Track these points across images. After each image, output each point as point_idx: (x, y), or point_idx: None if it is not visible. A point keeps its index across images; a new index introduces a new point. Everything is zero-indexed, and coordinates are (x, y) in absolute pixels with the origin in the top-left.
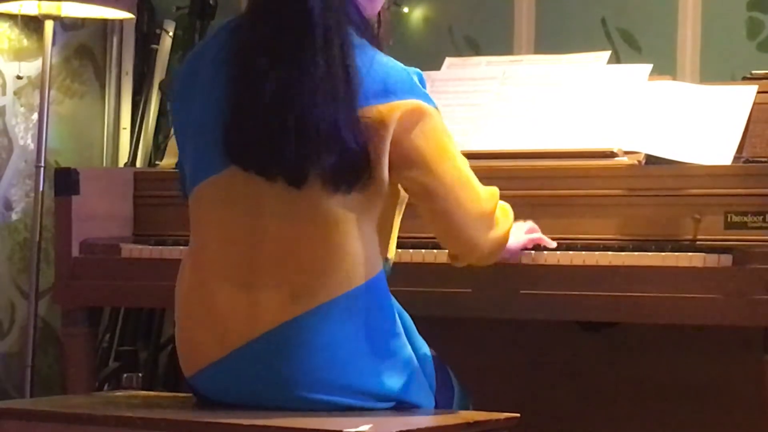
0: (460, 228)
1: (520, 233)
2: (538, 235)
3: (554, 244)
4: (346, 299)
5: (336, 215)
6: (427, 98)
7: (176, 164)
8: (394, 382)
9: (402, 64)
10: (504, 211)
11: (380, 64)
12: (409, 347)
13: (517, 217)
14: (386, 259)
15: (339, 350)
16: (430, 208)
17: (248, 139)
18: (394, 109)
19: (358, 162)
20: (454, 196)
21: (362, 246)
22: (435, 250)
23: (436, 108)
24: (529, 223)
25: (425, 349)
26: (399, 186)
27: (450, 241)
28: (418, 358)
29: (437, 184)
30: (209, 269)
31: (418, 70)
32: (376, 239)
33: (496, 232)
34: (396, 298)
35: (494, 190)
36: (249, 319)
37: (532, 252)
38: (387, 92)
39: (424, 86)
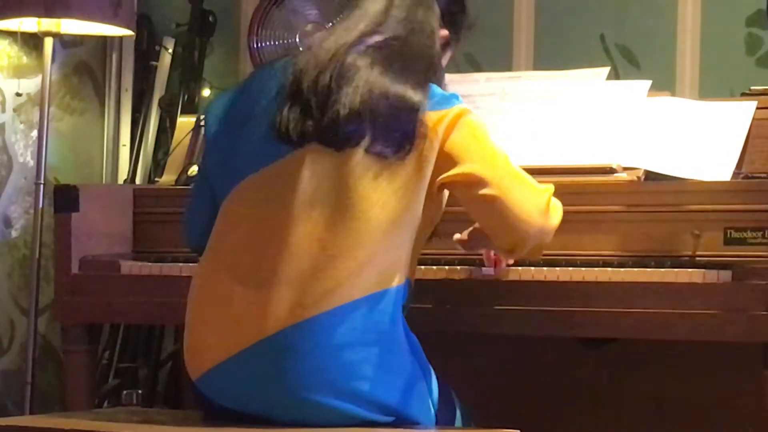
0: (517, 220)
1: None
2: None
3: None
4: (361, 304)
5: (372, 213)
6: (472, 112)
7: (196, 185)
8: (397, 394)
9: None
10: (555, 206)
11: (433, 86)
12: (414, 363)
13: None
14: (408, 280)
15: (348, 355)
16: (484, 199)
17: (305, 107)
18: (445, 115)
19: (402, 139)
20: (510, 191)
21: (387, 254)
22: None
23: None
24: None
25: (428, 367)
26: (433, 210)
27: (505, 234)
28: (422, 375)
29: (492, 176)
30: (227, 269)
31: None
32: (403, 253)
33: (552, 221)
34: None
35: (549, 186)
36: (261, 319)
37: (531, 268)
38: (440, 102)
39: None
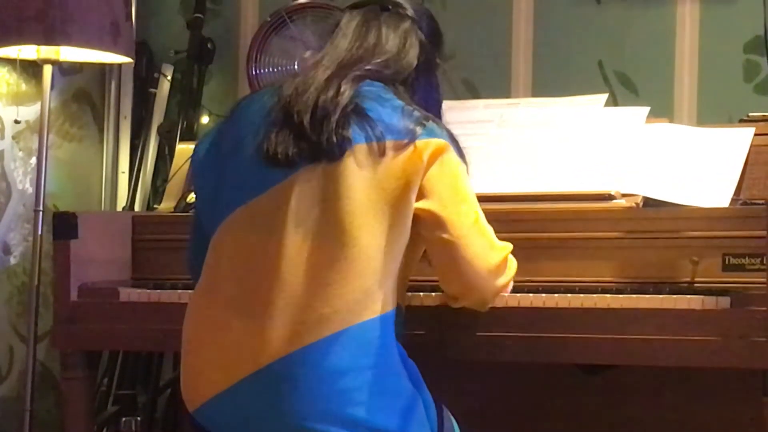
0: (464, 270)
1: None
2: None
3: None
4: (357, 330)
5: (360, 238)
6: (458, 150)
7: (192, 222)
8: (396, 419)
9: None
10: (511, 262)
11: (421, 112)
12: (412, 388)
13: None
14: (399, 306)
15: (345, 382)
16: (439, 242)
17: (293, 131)
18: (428, 143)
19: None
20: (465, 239)
21: (379, 279)
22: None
23: (464, 162)
24: None
25: (427, 393)
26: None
27: (452, 281)
28: (420, 401)
29: (452, 220)
30: (221, 301)
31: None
32: (393, 278)
33: (499, 281)
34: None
35: (507, 245)
36: (257, 349)
37: (530, 295)
38: (430, 132)
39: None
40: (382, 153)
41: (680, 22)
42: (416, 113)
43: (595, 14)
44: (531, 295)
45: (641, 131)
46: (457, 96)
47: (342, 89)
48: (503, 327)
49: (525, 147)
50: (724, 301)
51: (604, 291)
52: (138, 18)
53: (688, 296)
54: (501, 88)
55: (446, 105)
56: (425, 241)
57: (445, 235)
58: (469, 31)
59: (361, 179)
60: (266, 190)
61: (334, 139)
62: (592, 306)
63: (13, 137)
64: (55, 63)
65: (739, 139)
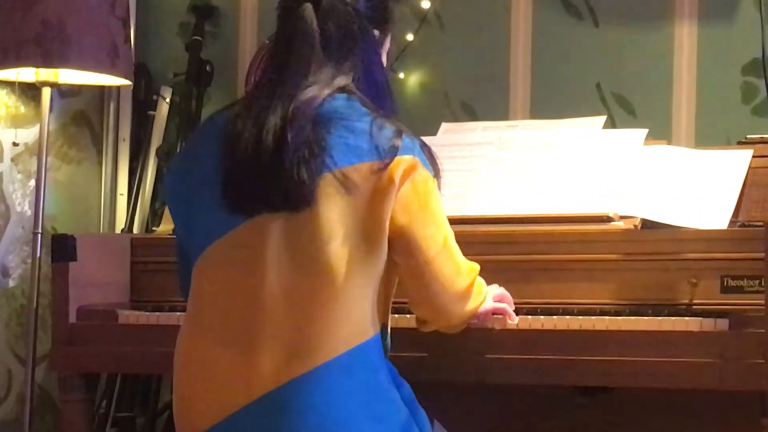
0: (433, 294)
1: (488, 299)
2: (503, 305)
3: (516, 319)
4: (344, 359)
5: (338, 267)
6: (426, 164)
7: (176, 246)
8: None
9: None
10: (479, 286)
11: (390, 127)
12: (406, 412)
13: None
14: (384, 326)
15: (336, 411)
16: (408, 266)
17: (248, 177)
18: (400, 162)
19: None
20: (433, 263)
21: (361, 305)
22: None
23: (434, 177)
24: (500, 290)
25: (423, 415)
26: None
27: (421, 305)
28: (415, 424)
29: (420, 245)
30: (209, 334)
31: (422, 140)
32: (375, 301)
33: (468, 306)
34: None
35: (474, 266)
36: (247, 381)
37: (529, 317)
38: (402, 149)
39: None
40: (350, 179)
41: (678, 44)
42: (386, 129)
43: (593, 36)
44: (529, 317)
45: (639, 153)
46: (455, 118)
47: (298, 114)
48: (501, 349)
49: (523, 169)
50: (723, 323)
51: (603, 313)
52: (137, 40)
53: (687, 318)
54: (499, 111)
55: (445, 127)
56: (398, 269)
57: (413, 260)
58: (467, 53)
59: (331, 209)
60: (238, 225)
61: (296, 177)
62: (590, 328)
63: (12, 160)
64: (53, 85)
65: (738, 160)
